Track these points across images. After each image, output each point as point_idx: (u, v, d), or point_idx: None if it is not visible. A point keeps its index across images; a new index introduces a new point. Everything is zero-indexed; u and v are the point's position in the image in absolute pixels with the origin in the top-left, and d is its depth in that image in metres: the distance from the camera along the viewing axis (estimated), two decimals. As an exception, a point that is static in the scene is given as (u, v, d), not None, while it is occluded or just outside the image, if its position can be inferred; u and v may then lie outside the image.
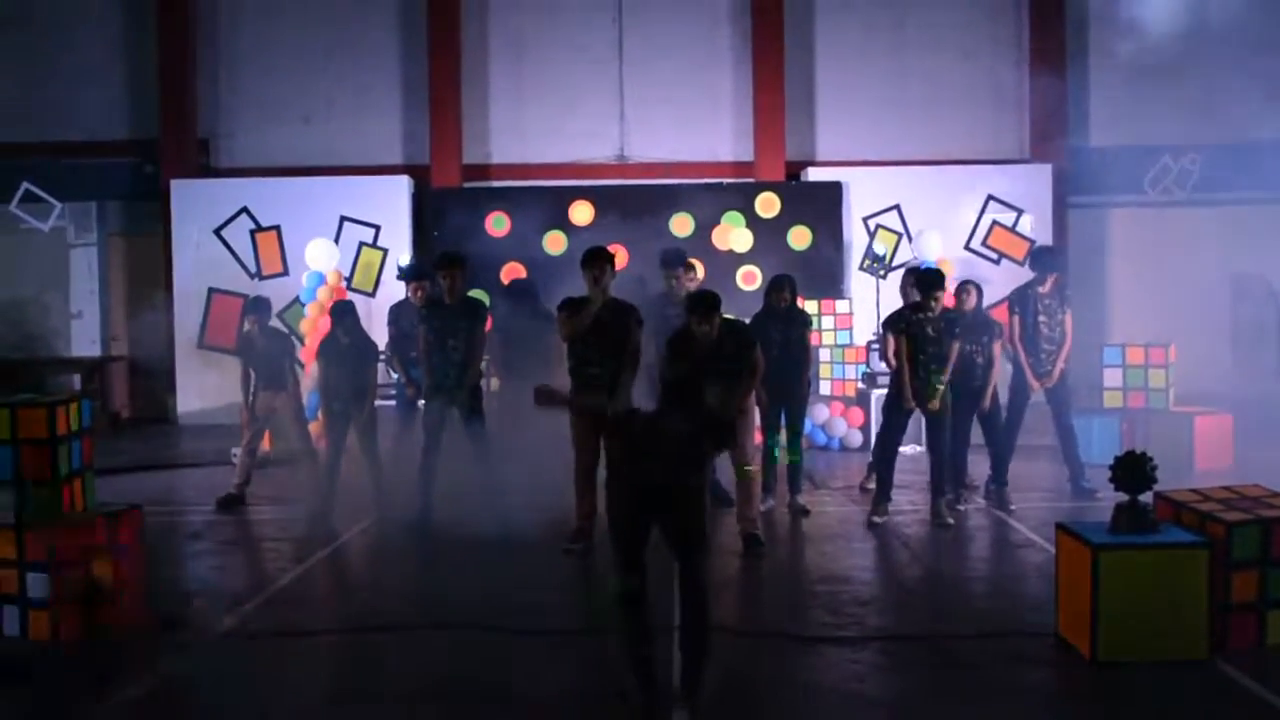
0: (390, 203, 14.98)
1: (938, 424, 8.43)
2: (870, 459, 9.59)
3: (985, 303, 9.56)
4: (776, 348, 8.54)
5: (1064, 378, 9.30)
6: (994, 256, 14.90)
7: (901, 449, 9.14)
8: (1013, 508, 8.78)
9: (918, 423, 9.62)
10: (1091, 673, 5.20)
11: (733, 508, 7.93)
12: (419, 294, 9.69)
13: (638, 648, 4.87)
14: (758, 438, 8.51)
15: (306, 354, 11.45)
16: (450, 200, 14.92)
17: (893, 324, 8.47)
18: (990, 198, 15.04)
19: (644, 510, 4.93)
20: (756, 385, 7.85)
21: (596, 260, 7.61)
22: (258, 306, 9.34)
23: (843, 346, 12.64)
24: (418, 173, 15.50)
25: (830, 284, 14.14)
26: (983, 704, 4.92)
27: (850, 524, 8.49)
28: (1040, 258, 9.53)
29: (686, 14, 15.91)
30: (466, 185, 15.53)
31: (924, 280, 8.39)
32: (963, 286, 8.98)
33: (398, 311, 9.92)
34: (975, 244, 14.99)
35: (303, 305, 12.77)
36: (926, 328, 8.30)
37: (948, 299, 8.58)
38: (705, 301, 7.26)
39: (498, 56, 16.01)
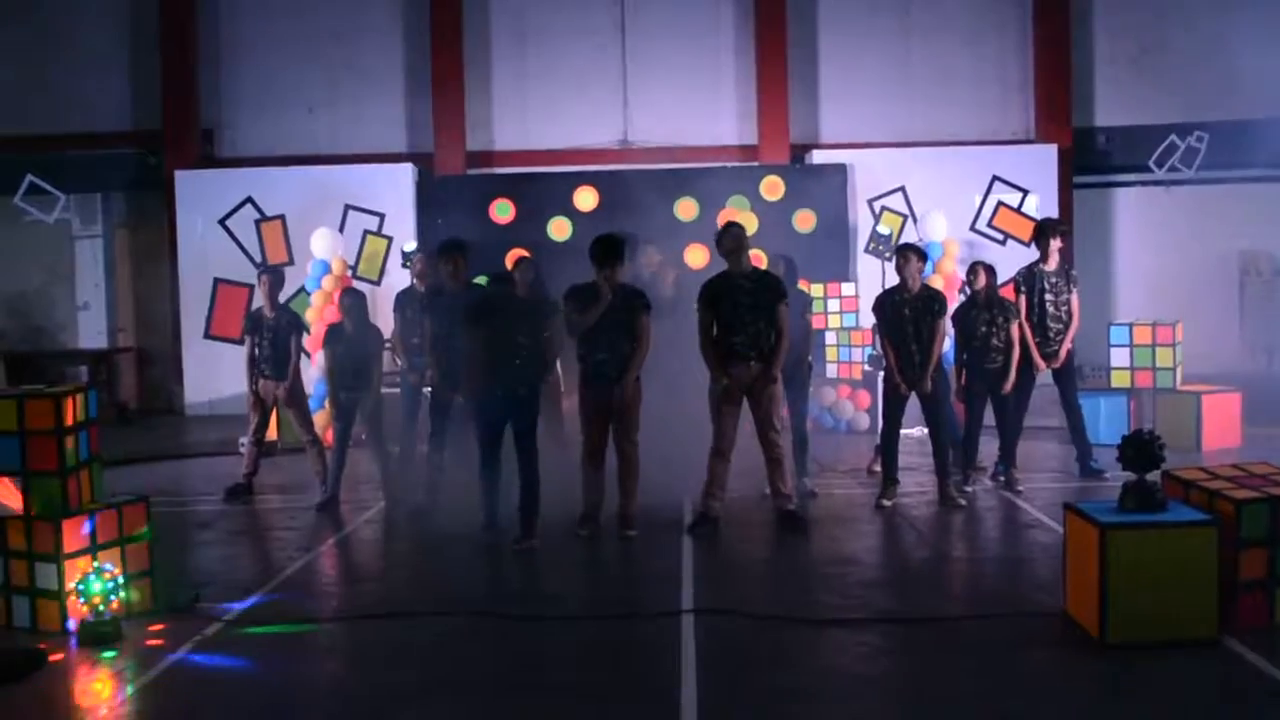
0: (394, 190, 14.97)
1: (934, 406, 8.42)
2: (877, 442, 9.57)
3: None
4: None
5: (1071, 358, 9.26)
6: (999, 237, 14.86)
7: (908, 431, 9.13)
8: (1020, 489, 8.75)
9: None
10: (1100, 653, 5.18)
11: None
12: (420, 270, 9.72)
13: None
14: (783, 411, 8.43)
15: (312, 343, 11.45)
16: (454, 187, 14.91)
17: (873, 308, 8.58)
18: (996, 178, 15.00)
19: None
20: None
21: (609, 257, 7.56)
22: (273, 272, 9.34)
23: (849, 329, 12.61)
24: (422, 160, 15.50)
25: (836, 266, 14.10)
26: (990, 685, 4.91)
27: (857, 506, 8.48)
28: (1038, 231, 9.45)
29: (689, -3, 15.89)
30: (470, 172, 15.52)
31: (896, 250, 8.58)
32: (971, 268, 8.91)
33: (403, 299, 9.91)
34: (981, 225, 14.95)
35: (308, 294, 12.78)
36: (904, 309, 8.31)
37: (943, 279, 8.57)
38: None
39: (500, 42, 15.98)
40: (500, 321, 7.66)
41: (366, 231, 14.82)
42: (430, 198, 14.87)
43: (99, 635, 5.61)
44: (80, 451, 6.02)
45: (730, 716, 4.64)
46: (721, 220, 9.06)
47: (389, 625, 5.90)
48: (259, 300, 9.38)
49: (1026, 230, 14.25)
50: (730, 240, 7.74)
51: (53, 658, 5.42)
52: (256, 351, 9.21)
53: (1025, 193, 14.93)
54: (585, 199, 14.26)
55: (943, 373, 8.59)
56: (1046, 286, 9.14)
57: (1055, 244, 9.21)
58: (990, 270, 8.93)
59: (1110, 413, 10.62)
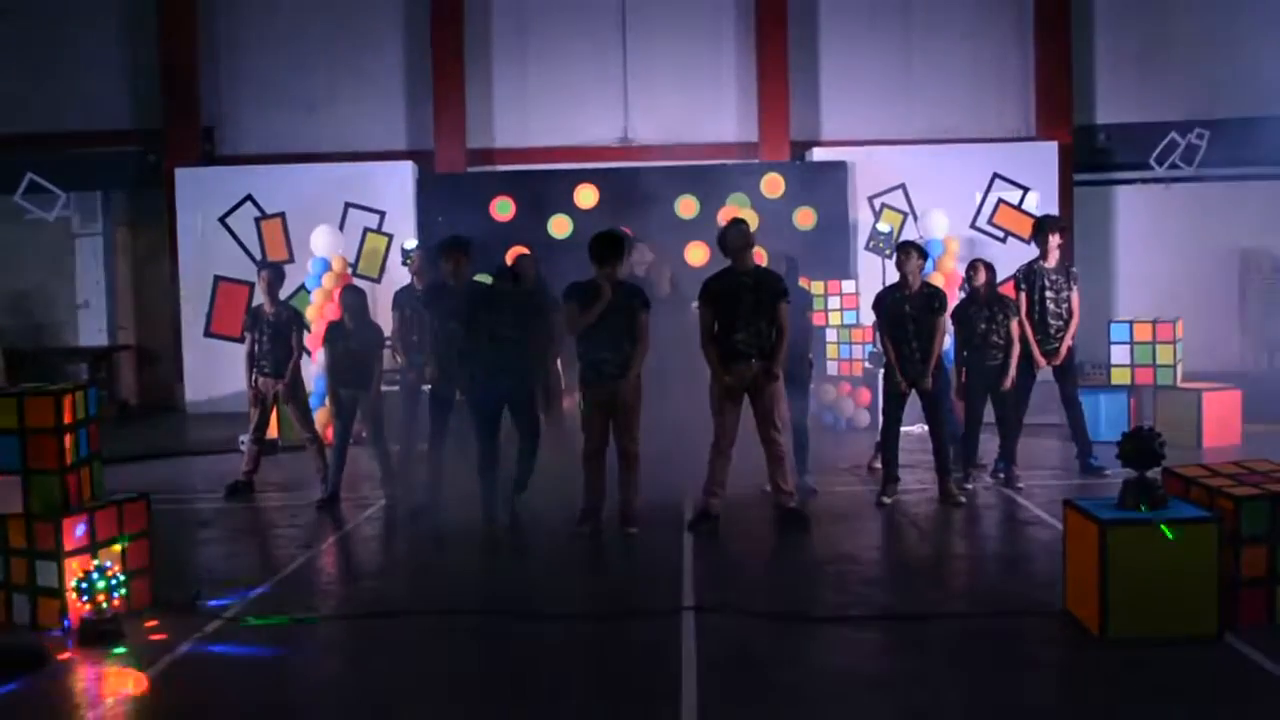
0: (395, 188, 14.94)
1: (934, 403, 8.42)
2: (878, 439, 9.57)
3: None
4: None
5: (1071, 355, 9.26)
6: (1000, 235, 14.84)
7: (908, 428, 9.11)
8: (1021, 486, 8.76)
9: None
10: (1100, 649, 5.18)
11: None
12: (416, 268, 9.71)
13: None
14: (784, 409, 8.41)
15: (312, 340, 11.45)
16: (454, 185, 14.89)
17: (874, 305, 8.59)
18: (996, 176, 14.98)
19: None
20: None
21: (609, 254, 7.56)
22: (272, 268, 9.33)
23: (849, 326, 12.62)
24: (422, 158, 15.48)
25: (836, 264, 14.09)
26: (991, 682, 4.91)
27: (858, 504, 8.48)
28: (1037, 228, 9.44)
29: (690, -6, 15.88)
30: (470, 170, 15.51)
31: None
32: (971, 265, 8.93)
33: (402, 297, 9.90)
34: (981, 222, 14.93)
35: (308, 292, 12.77)
36: (904, 306, 8.32)
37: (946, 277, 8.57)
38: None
39: (501, 40, 15.96)
40: (493, 315, 7.85)
41: (367, 229, 14.81)
42: (431, 195, 14.84)
43: (100, 633, 5.60)
44: (80, 449, 6.03)
45: (730, 715, 4.64)
46: (723, 218, 9.15)
47: (389, 623, 5.90)
48: (259, 296, 9.38)
49: (1027, 227, 14.25)
50: (739, 237, 7.72)
51: (57, 655, 5.42)
52: (256, 348, 9.19)
53: (1026, 190, 14.91)
54: (586, 196, 14.25)
55: (943, 370, 8.59)
56: (1047, 284, 9.14)
57: (1055, 241, 9.21)
58: (990, 267, 8.93)
59: (1110, 410, 10.63)
